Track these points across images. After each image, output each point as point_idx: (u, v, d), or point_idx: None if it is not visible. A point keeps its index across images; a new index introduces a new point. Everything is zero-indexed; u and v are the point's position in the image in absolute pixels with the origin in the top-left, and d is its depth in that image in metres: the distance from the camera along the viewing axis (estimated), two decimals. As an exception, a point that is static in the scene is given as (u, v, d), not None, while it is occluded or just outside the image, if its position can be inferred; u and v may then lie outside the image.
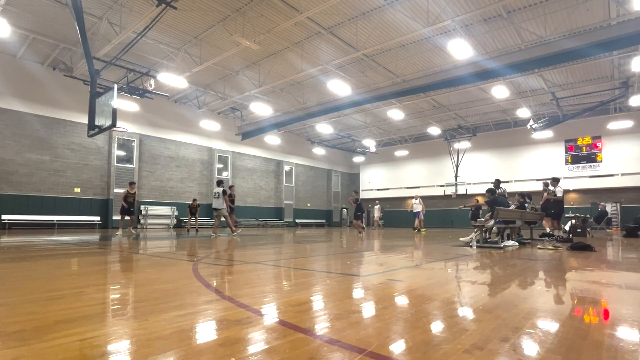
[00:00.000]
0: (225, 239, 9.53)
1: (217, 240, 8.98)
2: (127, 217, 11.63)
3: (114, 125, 8.92)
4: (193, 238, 9.72)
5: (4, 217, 13.64)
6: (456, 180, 24.56)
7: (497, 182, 10.11)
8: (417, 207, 16.67)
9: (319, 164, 28.69)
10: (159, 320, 1.86)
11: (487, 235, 7.82)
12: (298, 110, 17.76)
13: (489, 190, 8.95)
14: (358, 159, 29.39)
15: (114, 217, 16.39)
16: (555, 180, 10.35)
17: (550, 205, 10.10)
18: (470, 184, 24.28)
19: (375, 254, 5.84)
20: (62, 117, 15.32)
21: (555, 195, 9.99)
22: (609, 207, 19.81)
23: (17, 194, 14.10)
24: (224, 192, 10.94)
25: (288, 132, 25.60)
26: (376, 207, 21.12)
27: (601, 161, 20.42)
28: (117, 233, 11.09)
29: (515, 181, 22.63)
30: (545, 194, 10.57)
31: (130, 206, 11.53)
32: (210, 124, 19.82)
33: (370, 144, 26.00)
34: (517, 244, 7.70)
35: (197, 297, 2.45)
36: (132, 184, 12.03)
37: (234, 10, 11.30)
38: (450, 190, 24.62)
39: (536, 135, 20.53)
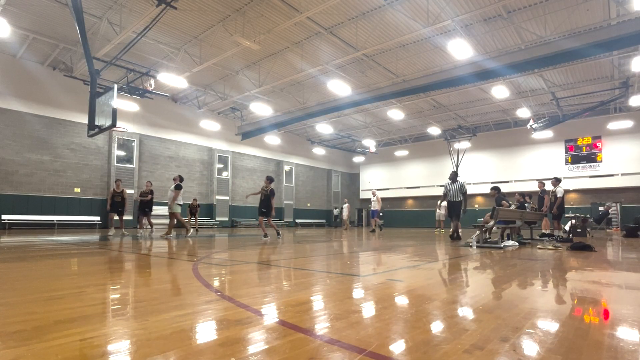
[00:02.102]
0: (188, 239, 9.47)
1: (214, 240, 8.98)
2: (116, 217, 11.20)
3: (114, 125, 8.93)
4: (193, 238, 9.72)
5: (4, 217, 13.64)
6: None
7: (454, 174, 9.60)
8: (375, 205, 15.73)
9: (319, 164, 28.69)
10: (159, 320, 1.86)
11: (487, 235, 7.82)
12: (298, 110, 17.76)
13: (494, 188, 8.92)
14: (358, 159, 29.39)
15: (114, 217, 16.37)
16: (557, 180, 10.37)
17: (550, 205, 10.14)
18: (470, 184, 24.27)
19: (376, 254, 5.84)
20: (62, 117, 15.32)
21: (556, 195, 10.01)
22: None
23: (17, 194, 14.10)
24: (177, 186, 9.86)
25: (288, 132, 25.61)
26: (344, 206, 19.92)
27: (601, 161, 20.43)
28: (109, 233, 10.84)
29: (515, 181, 22.63)
30: (546, 197, 10.56)
31: (119, 205, 11.12)
32: (210, 124, 19.83)
33: (370, 144, 26.00)
34: (517, 244, 7.70)
35: (197, 297, 2.45)
36: (117, 181, 11.64)
37: (234, 10, 11.30)
38: (450, 190, 24.56)
39: (536, 135, 20.53)
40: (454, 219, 9.37)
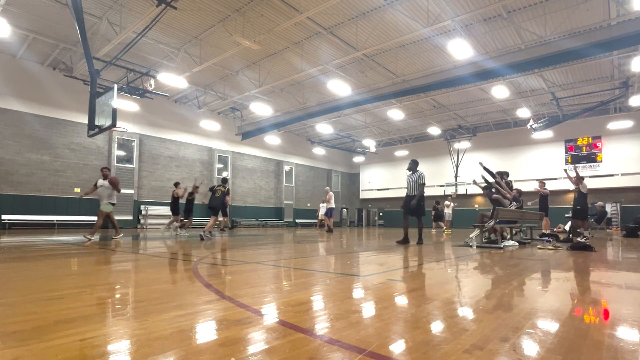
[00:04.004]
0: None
1: (213, 240, 8.96)
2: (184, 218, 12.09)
3: (114, 125, 8.93)
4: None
5: (4, 217, 13.63)
6: (456, 180, 24.58)
7: (414, 164, 8.13)
8: (331, 203, 14.76)
9: (319, 164, 28.69)
10: (159, 320, 1.86)
11: (493, 236, 7.82)
12: (298, 110, 17.77)
13: (499, 173, 8.68)
14: (358, 159, 29.40)
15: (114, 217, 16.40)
16: (581, 178, 9.98)
17: (577, 202, 9.82)
18: (470, 184, 24.25)
19: (375, 254, 5.84)
20: (62, 117, 15.32)
21: (579, 191, 9.75)
22: (608, 207, 19.81)
23: (17, 194, 14.10)
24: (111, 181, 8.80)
25: (288, 132, 25.61)
26: (322, 205, 18.46)
27: (601, 161, 20.43)
28: (182, 233, 11.51)
29: (515, 181, 22.60)
30: (547, 191, 10.61)
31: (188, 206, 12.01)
32: (210, 124, 19.83)
33: (370, 144, 26.00)
34: (517, 244, 7.70)
35: (197, 297, 2.44)
36: (177, 184, 12.38)
37: (234, 10, 11.30)
38: (450, 190, 24.63)
39: (536, 135, 20.53)
40: (418, 217, 7.99)
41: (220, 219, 13.01)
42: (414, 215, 7.97)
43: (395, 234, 13.61)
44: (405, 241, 7.87)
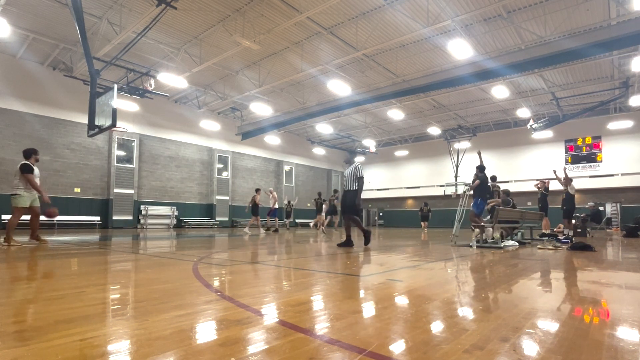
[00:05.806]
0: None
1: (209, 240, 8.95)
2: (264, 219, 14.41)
3: (114, 125, 8.95)
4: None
5: (4, 217, 13.63)
6: (456, 180, 24.56)
7: (351, 155, 7.29)
8: (273, 202, 14.37)
9: (319, 164, 28.69)
10: (159, 320, 1.86)
11: (489, 237, 7.81)
12: (298, 110, 17.77)
13: (505, 192, 8.85)
14: (358, 159, 29.40)
15: (114, 217, 16.42)
16: (569, 180, 10.49)
17: (564, 203, 10.28)
18: (470, 184, 24.29)
19: (376, 254, 5.84)
20: (62, 117, 15.33)
21: (567, 192, 10.13)
22: (608, 207, 19.81)
23: (17, 194, 14.07)
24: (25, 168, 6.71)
25: (288, 132, 25.61)
26: (323, 206, 17.64)
27: (601, 161, 20.44)
28: (247, 232, 12.89)
29: (515, 181, 22.64)
30: (547, 182, 10.79)
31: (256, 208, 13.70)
32: (210, 124, 19.84)
33: (370, 144, 26.01)
34: (517, 244, 7.70)
35: (197, 297, 2.44)
36: (257, 190, 14.05)
37: (234, 10, 11.31)
38: (450, 190, 24.62)
39: (536, 135, 20.54)
40: (347, 215, 6.89)
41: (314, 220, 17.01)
42: (347, 213, 6.87)
43: (395, 234, 13.61)
44: (348, 243, 6.75)
